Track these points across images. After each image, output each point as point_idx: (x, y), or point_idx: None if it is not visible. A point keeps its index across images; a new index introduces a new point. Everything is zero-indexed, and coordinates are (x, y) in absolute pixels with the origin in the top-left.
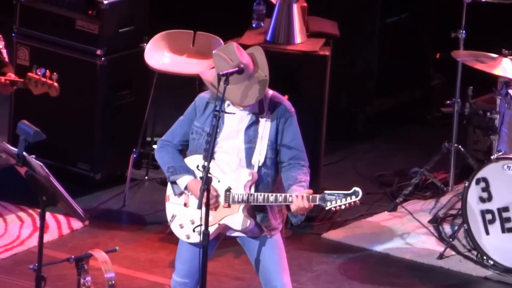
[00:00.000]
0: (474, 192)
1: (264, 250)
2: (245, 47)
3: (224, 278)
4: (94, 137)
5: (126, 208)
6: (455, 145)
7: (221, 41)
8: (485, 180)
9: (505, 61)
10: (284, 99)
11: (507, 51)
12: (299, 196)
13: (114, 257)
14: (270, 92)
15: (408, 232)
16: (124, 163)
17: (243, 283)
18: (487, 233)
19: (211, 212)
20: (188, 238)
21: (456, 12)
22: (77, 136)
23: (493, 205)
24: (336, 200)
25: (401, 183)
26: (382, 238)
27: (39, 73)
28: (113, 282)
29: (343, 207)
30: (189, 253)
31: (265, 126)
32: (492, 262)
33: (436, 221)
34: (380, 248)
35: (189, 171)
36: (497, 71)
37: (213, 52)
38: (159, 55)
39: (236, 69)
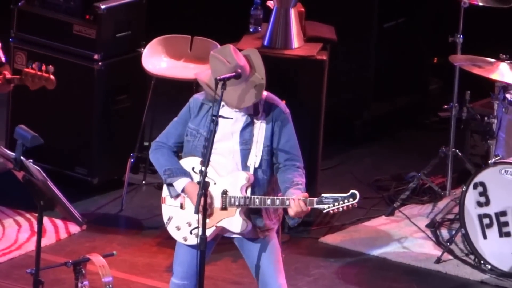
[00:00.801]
0: (471, 196)
1: (260, 252)
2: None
3: (222, 283)
4: (91, 142)
5: (123, 212)
6: (453, 149)
7: (219, 45)
8: (482, 184)
9: (503, 65)
10: (279, 101)
11: (504, 56)
12: (296, 200)
13: (112, 261)
14: (265, 93)
15: (405, 237)
16: (122, 167)
17: (241, 287)
18: (485, 237)
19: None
20: (186, 240)
21: (453, 16)
22: (75, 140)
23: (490, 210)
24: (334, 202)
25: (399, 188)
26: (379, 243)
27: (34, 68)
28: (110, 286)
29: (340, 209)
30: (187, 255)
31: (260, 128)
32: (489, 267)
33: (434, 226)
34: (377, 252)
35: (186, 174)
36: (494, 76)
37: (210, 53)
38: (157, 59)
39: (234, 74)
